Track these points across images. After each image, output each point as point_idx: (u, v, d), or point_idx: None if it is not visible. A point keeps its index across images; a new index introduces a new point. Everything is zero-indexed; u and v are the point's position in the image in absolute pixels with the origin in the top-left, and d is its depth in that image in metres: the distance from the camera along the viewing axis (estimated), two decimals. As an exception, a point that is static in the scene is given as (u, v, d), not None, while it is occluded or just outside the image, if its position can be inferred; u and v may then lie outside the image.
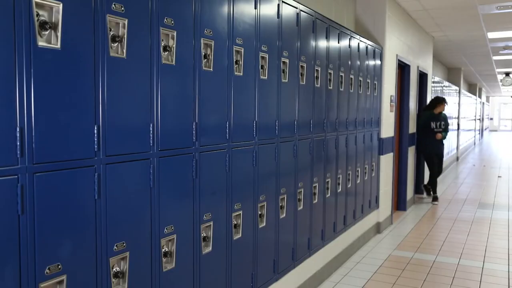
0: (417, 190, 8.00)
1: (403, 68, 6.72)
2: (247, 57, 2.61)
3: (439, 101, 7.41)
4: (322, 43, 3.69)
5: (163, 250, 2.03)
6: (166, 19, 1.99)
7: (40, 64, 1.46)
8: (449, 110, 11.93)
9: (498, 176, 10.71)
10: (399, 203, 6.89)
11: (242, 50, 2.57)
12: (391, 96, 5.86)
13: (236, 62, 2.52)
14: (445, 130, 7.50)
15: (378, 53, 5.30)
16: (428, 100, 8.39)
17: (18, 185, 1.41)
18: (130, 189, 1.85)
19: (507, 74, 15.48)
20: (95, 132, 1.67)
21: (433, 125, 7.35)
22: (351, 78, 4.41)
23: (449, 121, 13.71)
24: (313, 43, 3.51)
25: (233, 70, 2.50)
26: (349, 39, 4.32)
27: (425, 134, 7.42)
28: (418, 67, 7.36)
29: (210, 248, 2.36)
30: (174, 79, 2.07)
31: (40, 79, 1.46)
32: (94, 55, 1.65)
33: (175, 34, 2.03)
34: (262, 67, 2.79)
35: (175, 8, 2.05)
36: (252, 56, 2.68)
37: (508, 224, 6.16)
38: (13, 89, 1.39)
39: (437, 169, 7.64)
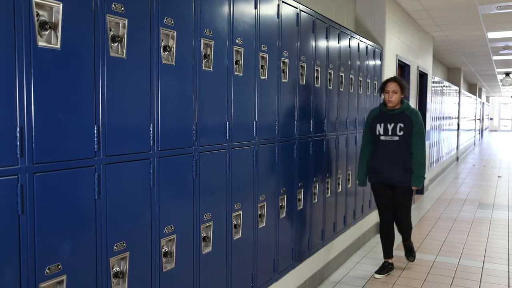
0: (418, 190, 7.98)
1: (403, 68, 6.72)
2: (247, 57, 2.61)
3: (381, 86, 4.08)
4: (322, 43, 3.69)
5: (163, 250, 2.03)
6: (166, 19, 1.99)
7: (40, 64, 1.46)
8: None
9: (498, 176, 10.71)
10: (399, 203, 6.87)
11: (242, 50, 2.57)
12: (391, 96, 5.84)
13: (236, 62, 2.52)
14: (416, 143, 3.90)
15: (378, 53, 5.30)
16: (429, 100, 8.37)
17: (18, 185, 1.41)
18: (130, 189, 1.85)
19: (507, 74, 15.48)
20: (95, 132, 1.67)
21: (378, 129, 3.98)
22: (351, 78, 4.41)
23: (446, 121, 13.41)
24: (313, 43, 3.51)
25: (233, 70, 2.50)
26: (349, 39, 4.32)
27: (371, 145, 4.10)
28: (418, 67, 7.36)
29: (210, 248, 2.36)
30: (174, 79, 2.07)
31: (40, 79, 1.46)
32: (94, 55, 1.65)
33: (175, 34, 2.03)
34: (262, 67, 2.79)
35: (175, 8, 2.05)
36: (252, 56, 2.68)
37: (508, 224, 6.16)
38: (13, 89, 1.39)
39: (389, 216, 4.14)
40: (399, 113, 3.95)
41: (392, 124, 3.94)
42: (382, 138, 3.96)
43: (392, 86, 3.93)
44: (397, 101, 3.94)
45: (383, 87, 4.00)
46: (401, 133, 3.90)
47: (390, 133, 3.94)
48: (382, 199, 4.13)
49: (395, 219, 4.17)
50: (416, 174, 3.93)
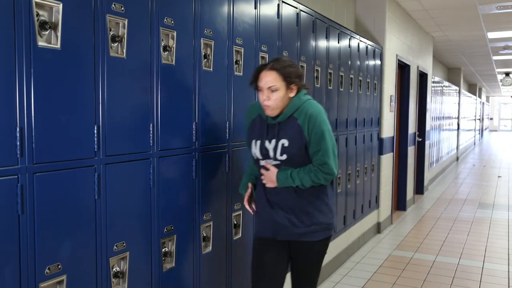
0: (417, 190, 8.00)
1: (403, 68, 6.73)
2: (247, 57, 2.61)
3: (253, 76, 2.17)
4: (322, 43, 3.69)
5: (163, 250, 2.03)
6: (166, 19, 1.99)
7: (40, 64, 1.46)
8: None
9: (498, 176, 10.71)
10: (399, 203, 6.89)
11: (242, 50, 2.57)
12: (391, 96, 5.85)
13: (236, 62, 2.52)
14: (321, 162, 2.10)
15: (378, 53, 5.30)
16: (428, 100, 8.37)
17: (18, 185, 1.41)
18: (130, 189, 1.85)
19: (507, 74, 15.48)
20: (95, 132, 1.67)
21: (254, 151, 2.24)
22: (351, 78, 4.41)
23: (446, 121, 13.49)
24: (313, 43, 3.51)
25: (233, 70, 2.50)
26: (349, 39, 4.32)
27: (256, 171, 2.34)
28: (418, 67, 7.36)
29: (210, 248, 2.36)
30: (174, 79, 2.07)
31: (40, 79, 1.46)
32: (94, 55, 1.65)
33: (175, 34, 2.03)
34: (262, 67, 2.78)
35: (175, 8, 2.05)
36: (252, 56, 2.68)
37: (508, 224, 6.16)
38: (13, 89, 1.39)
39: None
40: (283, 122, 2.17)
41: (273, 141, 2.18)
42: (262, 163, 2.23)
43: (267, 79, 2.11)
44: (280, 105, 2.13)
45: (255, 80, 2.16)
46: (283, 157, 2.15)
47: (271, 155, 2.18)
48: (261, 265, 2.29)
49: None
50: (293, 172, 2.14)
